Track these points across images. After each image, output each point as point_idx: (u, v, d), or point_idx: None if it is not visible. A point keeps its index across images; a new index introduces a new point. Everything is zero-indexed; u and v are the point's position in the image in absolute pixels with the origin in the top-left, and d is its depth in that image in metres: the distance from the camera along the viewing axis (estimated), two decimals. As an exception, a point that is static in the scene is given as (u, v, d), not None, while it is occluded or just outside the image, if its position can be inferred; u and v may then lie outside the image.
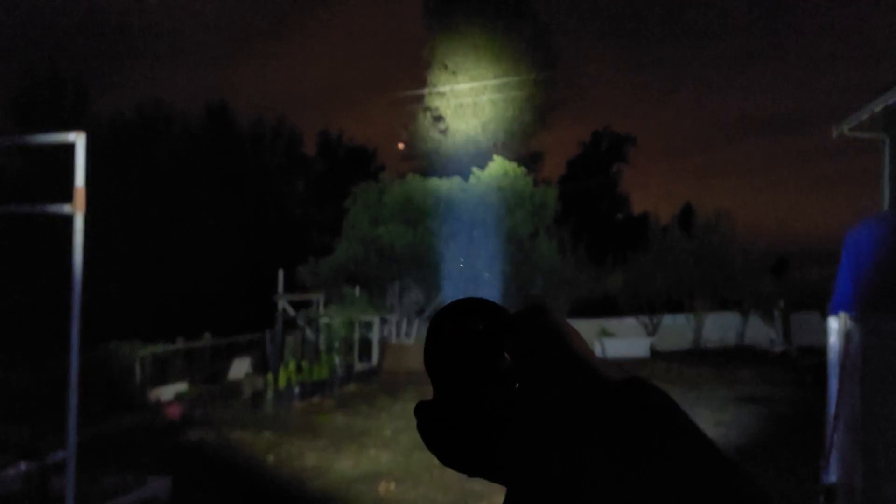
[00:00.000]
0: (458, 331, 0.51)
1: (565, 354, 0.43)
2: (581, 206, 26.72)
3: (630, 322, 22.79)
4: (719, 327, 22.64)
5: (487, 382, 0.49)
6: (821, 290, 14.55)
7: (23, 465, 6.63)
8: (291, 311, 16.16)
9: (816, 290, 17.02)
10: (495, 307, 0.52)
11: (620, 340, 20.64)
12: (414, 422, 0.50)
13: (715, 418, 10.36)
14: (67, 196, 5.63)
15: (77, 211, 5.24)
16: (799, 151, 66.01)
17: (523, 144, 25.62)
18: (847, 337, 5.88)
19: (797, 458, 7.88)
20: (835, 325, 6.26)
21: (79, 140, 5.17)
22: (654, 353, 20.51)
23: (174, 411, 11.66)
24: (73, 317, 5.49)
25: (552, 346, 0.44)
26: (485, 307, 0.52)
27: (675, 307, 22.74)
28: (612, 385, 0.39)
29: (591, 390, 0.40)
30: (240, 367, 14.89)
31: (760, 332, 21.91)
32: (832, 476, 6.14)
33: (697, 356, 20.01)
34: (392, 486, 7.48)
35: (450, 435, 0.48)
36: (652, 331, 22.52)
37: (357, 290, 17.73)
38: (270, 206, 26.78)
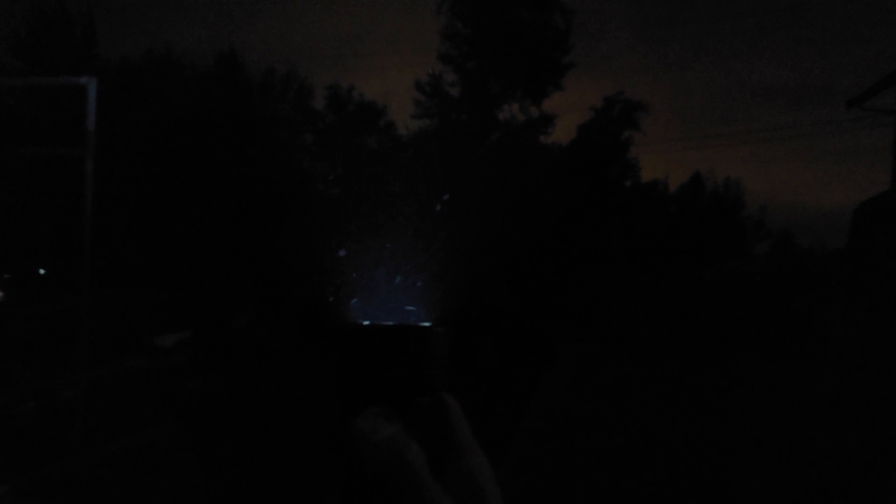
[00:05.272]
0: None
1: None
2: (590, 171, 26.49)
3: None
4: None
5: None
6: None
7: (31, 404, 6.76)
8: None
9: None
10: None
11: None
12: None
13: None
14: (76, 139, 5.60)
15: (88, 155, 5.25)
16: (813, 124, 65.15)
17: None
18: None
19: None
20: None
21: (90, 84, 5.15)
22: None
23: (178, 357, 11.82)
24: (84, 261, 5.52)
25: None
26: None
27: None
28: None
29: None
30: (244, 316, 15.01)
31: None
32: None
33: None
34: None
35: None
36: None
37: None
38: (278, 157, 26.61)
